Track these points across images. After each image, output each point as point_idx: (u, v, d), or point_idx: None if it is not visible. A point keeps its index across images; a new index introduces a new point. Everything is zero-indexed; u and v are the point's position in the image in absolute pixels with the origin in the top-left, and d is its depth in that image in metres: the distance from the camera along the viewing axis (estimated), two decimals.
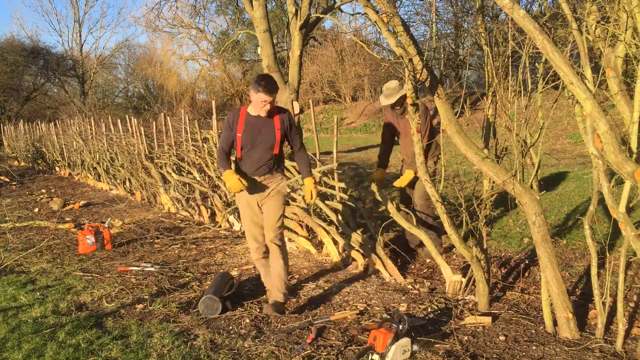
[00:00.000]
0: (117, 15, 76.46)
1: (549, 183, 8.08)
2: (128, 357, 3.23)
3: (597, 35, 3.01)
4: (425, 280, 4.53)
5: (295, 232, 5.70)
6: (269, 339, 3.40)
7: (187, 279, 4.83)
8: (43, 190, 11.43)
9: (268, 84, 3.63)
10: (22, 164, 17.59)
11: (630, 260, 4.08)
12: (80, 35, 35.65)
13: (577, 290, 4.07)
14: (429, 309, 3.78)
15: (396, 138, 5.22)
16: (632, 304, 3.64)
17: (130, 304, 4.19)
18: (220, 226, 6.98)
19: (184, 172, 8.43)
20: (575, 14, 3.01)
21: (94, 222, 7.60)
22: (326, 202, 5.39)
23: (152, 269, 5.10)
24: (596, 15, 3.00)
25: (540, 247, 3.22)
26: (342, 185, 5.37)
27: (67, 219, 8.12)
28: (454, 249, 4.96)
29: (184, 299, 4.28)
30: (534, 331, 3.36)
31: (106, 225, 6.47)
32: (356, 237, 4.91)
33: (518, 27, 2.87)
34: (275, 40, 23.39)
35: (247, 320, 3.75)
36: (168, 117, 9.49)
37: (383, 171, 5.21)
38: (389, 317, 3.18)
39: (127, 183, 10.37)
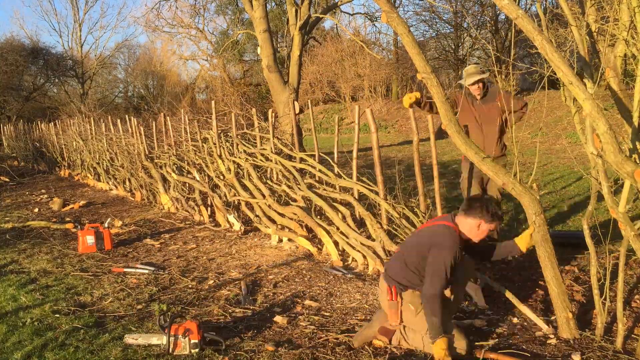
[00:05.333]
0: (117, 15, 76.77)
1: (549, 183, 8.09)
2: (128, 357, 3.23)
3: (596, 31, 3.01)
4: None
5: (295, 232, 5.71)
6: (265, 338, 3.41)
7: (186, 278, 4.83)
8: (43, 191, 11.42)
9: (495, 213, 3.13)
10: (22, 164, 17.59)
11: (630, 260, 4.08)
12: (80, 36, 35.59)
13: (577, 290, 4.07)
14: None
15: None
16: (633, 304, 3.64)
17: (130, 304, 4.19)
18: (220, 226, 6.99)
19: (183, 172, 8.43)
20: (575, 14, 3.01)
21: (93, 222, 7.59)
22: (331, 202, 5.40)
23: (146, 270, 5.10)
24: (595, 15, 3.00)
25: (540, 247, 3.22)
26: (347, 184, 5.36)
27: (67, 219, 8.12)
28: None
29: (184, 299, 4.28)
30: (533, 331, 3.36)
31: (106, 225, 6.47)
32: (357, 237, 4.91)
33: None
34: (275, 40, 23.39)
35: (245, 320, 3.75)
36: (168, 117, 9.49)
37: None
38: None
39: (127, 183, 10.37)
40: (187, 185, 8.25)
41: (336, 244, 5.24)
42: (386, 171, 6.49)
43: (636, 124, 2.87)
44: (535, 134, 13.27)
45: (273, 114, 6.89)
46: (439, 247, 3.00)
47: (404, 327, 3.13)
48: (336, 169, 5.55)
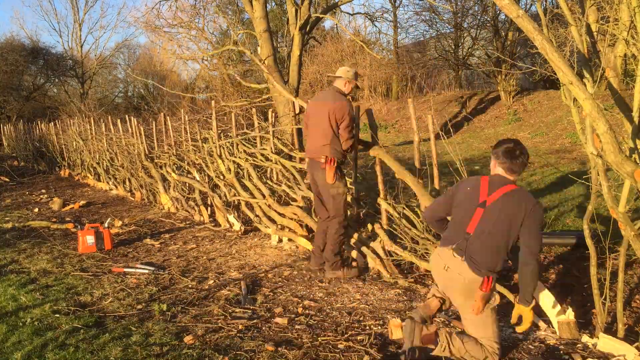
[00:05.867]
0: (117, 15, 76.74)
1: (550, 183, 8.09)
2: (128, 357, 3.23)
3: (596, 31, 3.01)
4: (426, 279, 4.53)
5: (295, 232, 5.70)
6: (265, 338, 3.41)
7: (186, 278, 4.83)
8: (43, 190, 11.43)
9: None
10: (22, 164, 17.59)
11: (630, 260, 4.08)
12: (80, 36, 35.58)
13: (577, 290, 4.07)
14: None
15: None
16: (633, 304, 3.64)
17: (130, 304, 4.19)
18: (220, 226, 6.98)
19: (183, 172, 8.43)
20: (575, 14, 3.01)
21: (93, 222, 7.59)
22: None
23: (146, 270, 5.10)
24: (595, 15, 3.00)
25: None
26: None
27: (67, 219, 8.12)
28: None
29: (184, 298, 4.28)
30: (533, 331, 3.37)
31: (106, 225, 6.47)
32: (357, 236, 4.91)
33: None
34: (275, 40, 23.37)
35: (245, 320, 3.75)
36: (168, 117, 9.49)
37: None
38: None
39: (127, 183, 10.37)
40: (187, 185, 8.25)
41: None
42: (386, 171, 6.50)
43: (637, 122, 2.87)
44: (535, 134, 13.27)
45: (273, 114, 6.89)
46: (536, 209, 2.84)
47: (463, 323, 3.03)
48: None
